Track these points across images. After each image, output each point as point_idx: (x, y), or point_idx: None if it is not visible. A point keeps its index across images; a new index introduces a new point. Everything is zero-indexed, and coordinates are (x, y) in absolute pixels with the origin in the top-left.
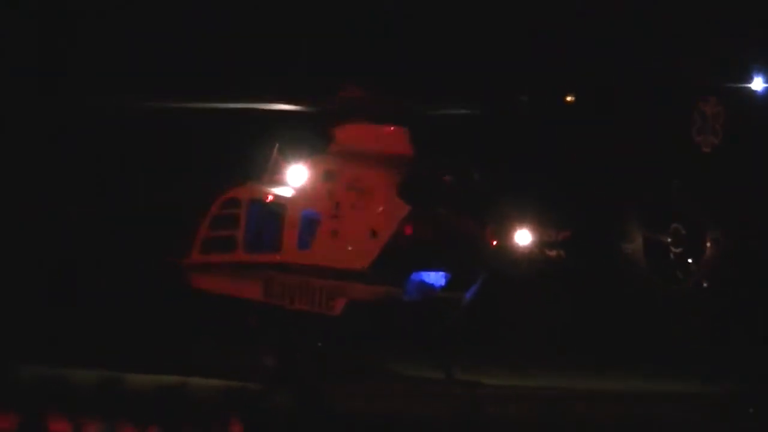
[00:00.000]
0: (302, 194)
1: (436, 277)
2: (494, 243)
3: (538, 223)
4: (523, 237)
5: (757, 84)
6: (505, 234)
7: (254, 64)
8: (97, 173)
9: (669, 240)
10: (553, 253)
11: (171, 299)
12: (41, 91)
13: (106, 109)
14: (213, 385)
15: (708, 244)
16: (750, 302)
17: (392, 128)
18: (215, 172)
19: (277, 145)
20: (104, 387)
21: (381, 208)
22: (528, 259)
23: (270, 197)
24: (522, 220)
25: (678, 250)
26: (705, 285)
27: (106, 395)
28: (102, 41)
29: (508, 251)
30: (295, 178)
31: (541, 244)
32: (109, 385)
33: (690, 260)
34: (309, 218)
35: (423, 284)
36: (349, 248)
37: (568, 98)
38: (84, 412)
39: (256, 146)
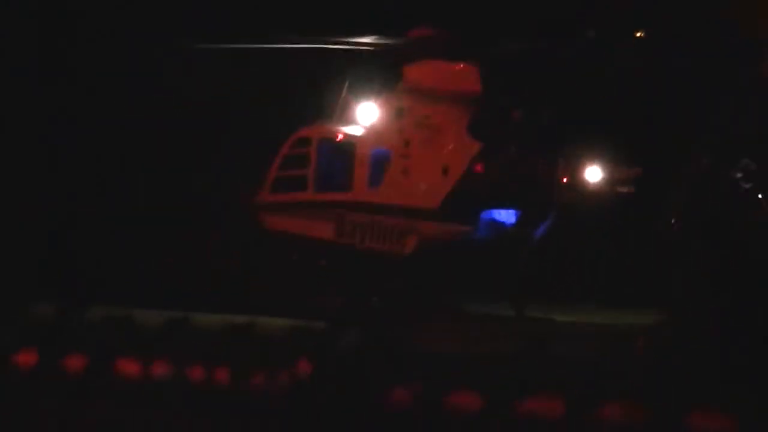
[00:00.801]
0: (372, 132)
1: (506, 215)
2: (565, 180)
3: (610, 160)
4: (594, 173)
5: None
6: (576, 171)
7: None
8: (172, 113)
9: (740, 175)
10: (624, 190)
11: (242, 238)
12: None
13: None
14: (281, 325)
15: None
16: None
17: (461, 65)
18: (287, 111)
19: (347, 83)
20: (171, 327)
21: (451, 146)
22: (599, 195)
23: (340, 136)
24: (593, 157)
25: (748, 186)
26: None
27: (174, 335)
28: None
29: (579, 188)
30: (365, 116)
31: (612, 181)
32: (177, 326)
33: (761, 196)
34: (379, 156)
35: (494, 222)
36: (420, 186)
37: (638, 34)
38: (152, 352)
39: (327, 85)
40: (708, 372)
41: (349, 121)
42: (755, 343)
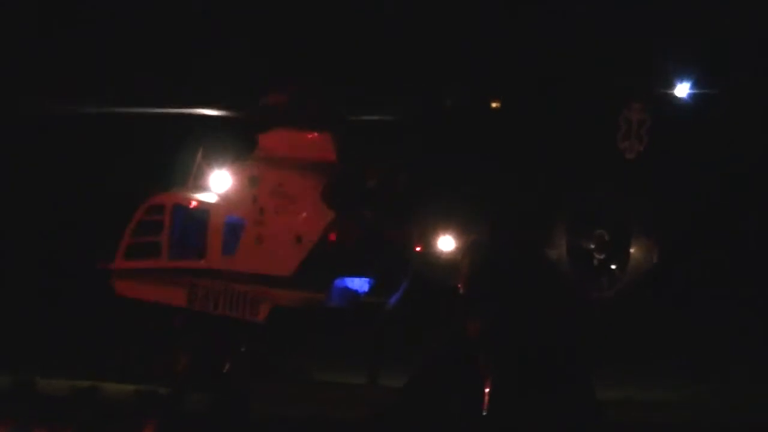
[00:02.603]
0: (226, 200)
1: (360, 283)
2: (418, 249)
3: (463, 229)
4: (447, 242)
5: (681, 90)
6: (429, 239)
7: (177, 70)
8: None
9: (593, 246)
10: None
11: (93, 304)
12: None
13: (29, 114)
14: (127, 390)
15: (632, 251)
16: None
17: (315, 134)
18: (139, 178)
19: (201, 150)
20: (17, 391)
21: (305, 214)
22: (452, 264)
23: (194, 203)
24: (446, 226)
25: (602, 257)
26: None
27: (20, 399)
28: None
29: (432, 257)
30: (220, 183)
31: (465, 251)
32: (23, 389)
33: (614, 267)
34: (233, 224)
35: (347, 290)
36: (274, 254)
37: (494, 104)
38: None
39: (180, 152)
40: None
41: (204, 187)
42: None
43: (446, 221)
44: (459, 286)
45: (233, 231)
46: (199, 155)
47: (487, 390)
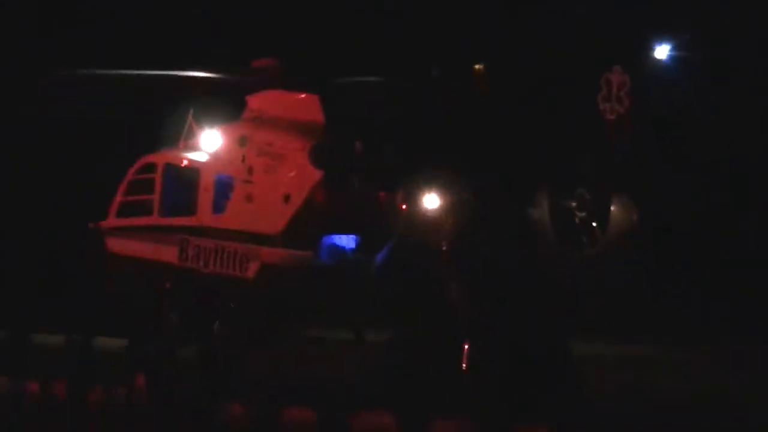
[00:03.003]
0: (216, 159)
1: (347, 241)
2: (404, 207)
3: (447, 189)
4: (432, 201)
5: (661, 52)
6: (414, 199)
7: (170, 33)
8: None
9: (574, 204)
10: (460, 219)
11: (89, 261)
12: None
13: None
14: (118, 344)
15: (612, 209)
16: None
17: (304, 96)
18: (132, 138)
19: (192, 111)
20: (13, 345)
21: (293, 174)
22: (436, 223)
23: (185, 162)
24: (431, 186)
25: (583, 215)
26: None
27: (15, 353)
28: None
29: (417, 216)
30: (210, 143)
31: (449, 210)
32: (18, 344)
33: (594, 224)
34: (223, 182)
35: (335, 247)
36: (262, 212)
37: (477, 67)
38: None
39: (172, 113)
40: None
41: (194, 147)
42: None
43: (431, 183)
44: (443, 244)
45: (223, 190)
46: (190, 116)
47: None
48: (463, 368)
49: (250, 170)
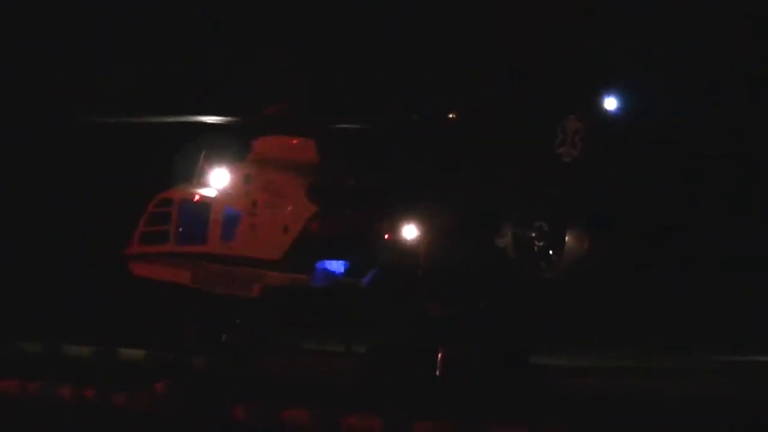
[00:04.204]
0: (225, 194)
1: (337, 266)
2: (387, 237)
3: (424, 221)
4: (410, 232)
5: (610, 103)
6: (396, 229)
7: (187, 84)
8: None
9: (534, 235)
10: (436, 246)
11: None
12: None
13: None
14: (141, 354)
15: (567, 239)
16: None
17: (302, 140)
18: (152, 176)
19: (204, 152)
20: (46, 355)
21: (291, 208)
22: (415, 250)
23: (197, 197)
24: (411, 218)
25: (541, 244)
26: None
27: (50, 360)
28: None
29: (399, 244)
30: (219, 180)
31: (426, 239)
32: (51, 353)
33: (551, 252)
34: (231, 215)
35: (327, 272)
36: (265, 241)
37: (451, 115)
38: (29, 374)
39: (187, 154)
40: None
41: (206, 184)
42: None
43: (411, 215)
44: (420, 268)
45: (230, 221)
46: (202, 157)
47: (440, 355)
48: (439, 372)
49: (254, 204)
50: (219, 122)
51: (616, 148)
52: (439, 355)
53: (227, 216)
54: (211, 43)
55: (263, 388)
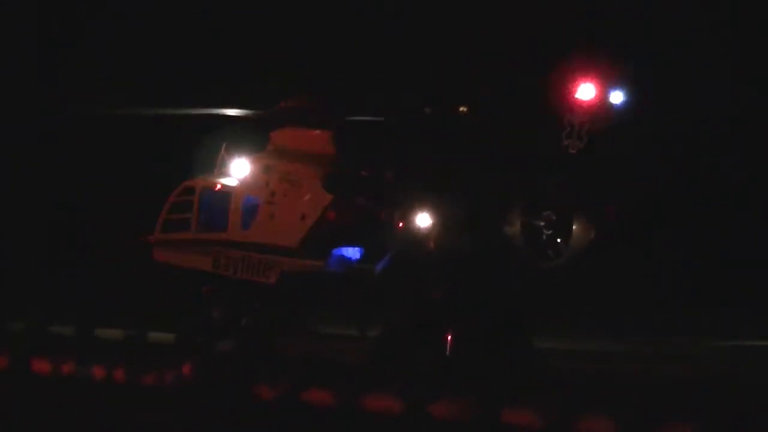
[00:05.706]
0: (245, 184)
1: (352, 252)
2: (400, 225)
3: (436, 211)
4: (423, 220)
5: (615, 98)
6: (409, 218)
7: (211, 78)
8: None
9: (542, 224)
10: (447, 234)
11: (140, 269)
12: None
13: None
14: (168, 337)
15: (574, 228)
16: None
17: (317, 131)
18: (174, 166)
19: (225, 144)
20: (79, 337)
21: (308, 197)
22: (427, 238)
23: (218, 186)
24: (423, 208)
25: (549, 232)
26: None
27: (81, 344)
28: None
29: (411, 232)
30: (239, 171)
31: (438, 227)
32: (84, 336)
33: (559, 240)
34: (250, 204)
35: (343, 258)
36: (282, 229)
37: (462, 108)
38: (63, 355)
39: (209, 145)
40: None
41: (226, 174)
42: None
43: (422, 204)
44: (430, 255)
45: (250, 210)
46: (223, 148)
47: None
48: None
49: (273, 194)
50: (239, 115)
51: (622, 140)
52: (449, 338)
53: (247, 205)
54: (233, 40)
55: (283, 369)
